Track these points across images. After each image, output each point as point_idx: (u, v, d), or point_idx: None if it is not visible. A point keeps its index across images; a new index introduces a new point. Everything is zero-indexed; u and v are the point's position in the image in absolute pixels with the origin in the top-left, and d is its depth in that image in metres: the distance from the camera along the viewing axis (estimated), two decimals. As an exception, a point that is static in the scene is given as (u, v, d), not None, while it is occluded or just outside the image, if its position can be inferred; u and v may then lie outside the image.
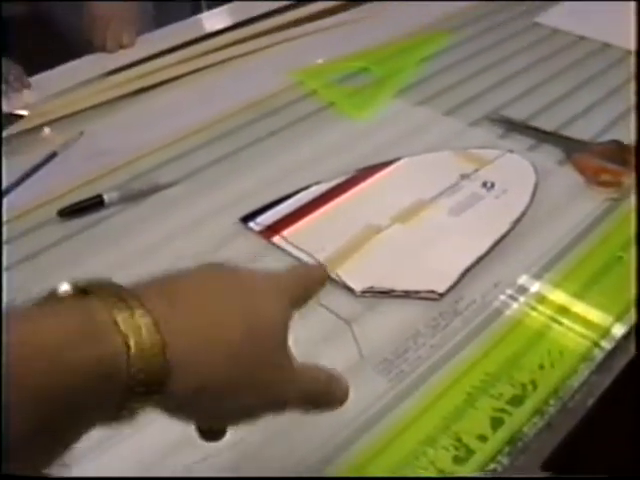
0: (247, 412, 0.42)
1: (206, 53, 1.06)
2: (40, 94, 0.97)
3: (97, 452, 0.53)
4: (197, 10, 1.39)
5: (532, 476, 0.56)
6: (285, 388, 0.42)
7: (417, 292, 0.64)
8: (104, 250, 0.72)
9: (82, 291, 0.37)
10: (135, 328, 0.35)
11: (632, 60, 1.01)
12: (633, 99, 0.89)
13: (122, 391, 0.34)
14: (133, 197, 0.78)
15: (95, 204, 0.77)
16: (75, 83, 1.00)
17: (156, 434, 0.54)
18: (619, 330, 0.62)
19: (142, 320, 0.35)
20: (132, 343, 0.34)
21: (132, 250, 0.72)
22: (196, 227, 0.74)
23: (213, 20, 1.17)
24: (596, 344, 0.61)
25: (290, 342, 0.60)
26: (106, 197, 0.77)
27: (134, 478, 0.52)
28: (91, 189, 0.79)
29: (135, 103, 0.97)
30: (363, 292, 0.64)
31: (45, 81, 1.00)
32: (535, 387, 0.57)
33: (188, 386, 0.37)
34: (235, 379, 0.39)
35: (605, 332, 0.62)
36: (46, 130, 0.92)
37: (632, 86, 0.95)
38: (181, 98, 0.98)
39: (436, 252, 0.69)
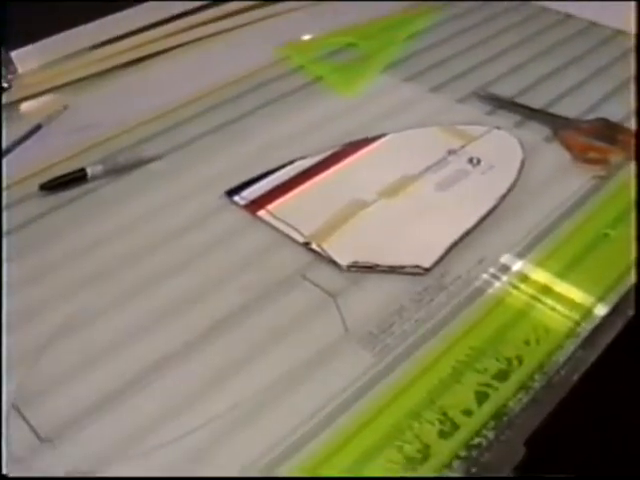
0: None
1: (192, 27, 1.05)
2: (24, 67, 0.96)
3: (79, 426, 0.53)
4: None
5: (505, 476, 0.55)
6: None
7: (402, 267, 0.64)
8: (87, 224, 0.71)
9: None
10: None
11: (623, 38, 1.01)
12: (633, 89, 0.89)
13: None
14: (117, 171, 0.77)
15: (78, 178, 0.76)
16: (60, 56, 0.99)
17: (133, 411, 0.54)
18: (604, 307, 0.62)
19: None
20: None
21: (116, 224, 0.71)
22: (181, 201, 0.73)
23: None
24: (581, 320, 0.60)
25: (275, 315, 0.60)
26: (89, 170, 0.76)
27: (135, 478, 0.51)
28: (74, 163, 0.78)
29: (120, 77, 0.96)
30: (348, 266, 0.64)
31: (29, 54, 0.99)
32: (521, 362, 0.57)
33: None
34: None
35: (590, 308, 0.62)
36: (29, 103, 0.91)
37: (620, 64, 0.95)
38: (167, 72, 0.97)
39: (422, 227, 0.68)
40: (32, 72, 0.96)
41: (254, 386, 0.55)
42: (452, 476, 0.50)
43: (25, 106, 0.91)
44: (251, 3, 1.11)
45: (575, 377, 0.58)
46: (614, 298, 0.63)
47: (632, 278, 0.64)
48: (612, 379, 0.70)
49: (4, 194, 0.75)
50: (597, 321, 0.61)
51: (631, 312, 0.63)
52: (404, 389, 0.55)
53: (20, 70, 0.95)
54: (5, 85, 0.91)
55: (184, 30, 1.04)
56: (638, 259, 0.65)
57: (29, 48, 1.01)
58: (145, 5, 1.11)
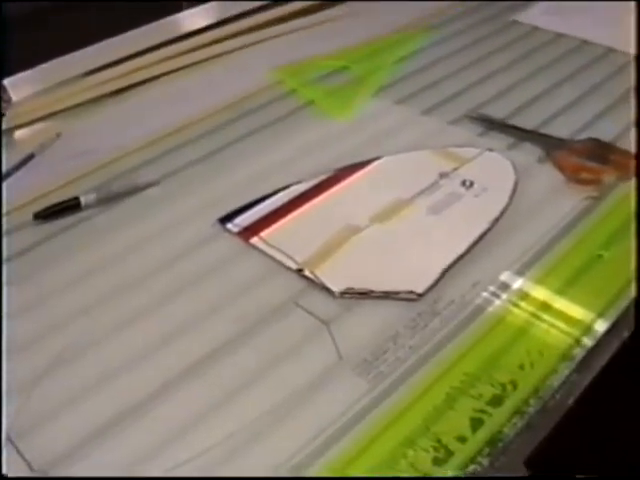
0: None
1: (185, 52, 1.06)
2: (17, 94, 0.96)
3: (73, 459, 0.52)
4: (177, 9, 1.38)
5: (519, 475, 0.55)
6: None
7: (396, 293, 0.64)
8: (81, 253, 0.71)
9: None
10: None
11: (614, 57, 1.01)
12: (634, 106, 0.89)
13: None
14: (110, 199, 0.77)
15: (72, 206, 0.76)
16: (53, 83, 0.99)
17: (130, 442, 0.53)
18: (599, 328, 0.62)
19: None
20: None
21: (110, 253, 0.71)
22: (174, 229, 0.73)
23: (193, 19, 1.17)
24: (577, 342, 0.60)
25: (268, 343, 0.60)
26: (83, 199, 0.76)
27: (134, 478, 0.51)
28: (68, 191, 0.78)
29: (113, 103, 0.97)
30: (342, 293, 0.64)
31: (23, 81, 0.99)
32: (515, 387, 0.57)
33: None
34: None
35: (585, 331, 0.62)
36: (23, 131, 0.91)
37: (612, 83, 0.95)
38: (160, 98, 0.97)
39: (415, 252, 0.68)
40: (26, 99, 0.96)
41: (248, 415, 0.55)
42: (463, 475, 0.51)
43: (18, 134, 0.91)
44: (243, 27, 1.11)
45: (570, 401, 0.58)
46: (609, 320, 0.63)
47: (626, 299, 0.64)
48: (608, 401, 0.70)
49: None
50: (592, 343, 0.61)
51: (626, 333, 0.63)
52: (398, 416, 0.55)
53: (14, 98, 0.95)
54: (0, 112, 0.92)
55: (177, 55, 1.05)
56: (638, 279, 0.65)
57: (23, 75, 1.02)
58: (137, 31, 1.12)
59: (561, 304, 0.64)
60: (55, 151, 0.87)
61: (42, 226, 0.75)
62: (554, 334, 0.61)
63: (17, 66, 1.02)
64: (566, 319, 0.62)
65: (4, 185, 0.80)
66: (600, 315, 0.63)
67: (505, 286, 0.66)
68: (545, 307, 0.64)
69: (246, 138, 0.87)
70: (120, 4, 1.15)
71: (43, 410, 0.56)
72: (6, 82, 0.96)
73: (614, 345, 0.62)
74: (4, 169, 0.82)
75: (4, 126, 0.91)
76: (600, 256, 0.69)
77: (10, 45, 0.98)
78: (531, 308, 0.64)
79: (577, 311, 0.63)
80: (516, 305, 0.64)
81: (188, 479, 0.51)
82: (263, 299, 0.64)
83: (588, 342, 0.61)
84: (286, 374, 0.58)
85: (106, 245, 0.72)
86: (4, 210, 0.76)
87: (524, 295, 0.65)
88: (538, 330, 0.61)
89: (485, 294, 0.65)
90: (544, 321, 0.62)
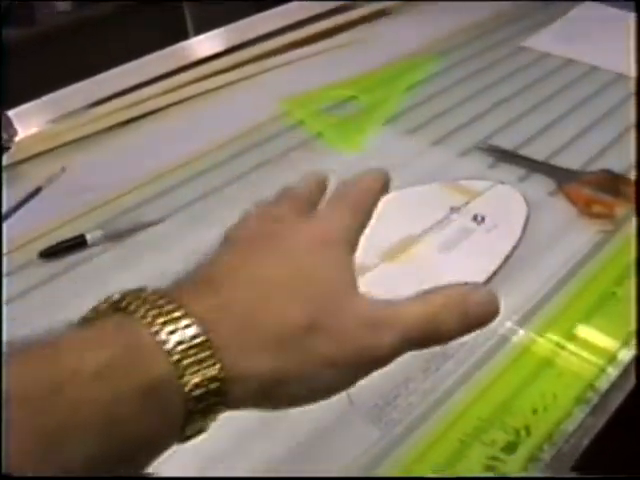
0: (333, 386, 0.41)
1: (192, 82, 1.05)
2: (23, 126, 0.95)
3: None
4: (183, 36, 1.37)
5: (556, 476, 0.54)
6: (369, 343, 0.40)
7: (406, 335, 0.62)
8: (87, 291, 0.70)
9: (120, 307, 0.36)
10: (182, 343, 0.34)
11: (624, 83, 1.00)
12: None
13: (182, 412, 0.34)
14: (117, 236, 0.76)
15: (78, 244, 0.75)
16: (57, 116, 0.98)
17: None
18: (614, 369, 0.61)
19: (188, 332, 0.34)
20: (182, 362, 0.33)
21: (116, 290, 0.70)
22: (180, 265, 0.72)
23: (199, 47, 1.16)
24: (590, 385, 0.59)
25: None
26: (89, 237, 0.75)
27: (146, 478, 0.51)
28: (74, 227, 0.78)
29: (119, 136, 0.96)
30: (352, 335, 0.63)
31: (28, 114, 0.99)
32: (529, 433, 0.56)
33: (251, 387, 0.36)
34: (301, 363, 0.37)
35: (600, 371, 0.61)
36: (28, 165, 0.90)
37: (622, 110, 0.95)
38: (167, 130, 0.96)
39: (425, 292, 0.67)
40: (31, 132, 0.96)
41: (259, 463, 0.54)
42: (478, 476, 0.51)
43: (24, 168, 0.90)
44: (251, 55, 1.11)
45: (584, 443, 0.57)
46: (623, 360, 0.62)
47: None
48: (623, 442, 0.68)
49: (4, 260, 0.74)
50: (607, 384, 0.60)
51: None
52: (411, 464, 0.54)
53: (20, 130, 0.94)
54: (5, 146, 0.91)
55: (184, 85, 1.04)
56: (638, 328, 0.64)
57: (28, 106, 1.01)
58: (143, 60, 1.11)
59: (575, 345, 0.63)
60: (60, 186, 0.86)
61: (48, 264, 0.74)
62: (566, 378, 0.60)
63: (24, 96, 1.01)
64: (579, 361, 0.62)
65: (10, 220, 0.79)
66: (615, 355, 0.62)
67: (518, 327, 0.64)
68: (558, 349, 0.63)
69: (253, 172, 0.86)
70: (125, 32, 1.15)
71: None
72: (12, 113, 0.95)
73: (629, 385, 0.61)
74: (11, 203, 0.81)
75: (11, 160, 0.90)
76: (614, 293, 0.68)
77: (16, 75, 0.98)
78: (543, 350, 0.63)
79: (590, 352, 0.62)
80: (529, 347, 0.63)
81: (190, 479, 0.51)
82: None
83: (602, 386, 0.59)
84: (296, 421, 0.56)
85: (112, 283, 0.70)
86: (11, 247, 0.76)
87: (537, 336, 0.64)
88: (551, 374, 0.60)
89: (498, 335, 0.64)
90: (557, 364, 0.61)
